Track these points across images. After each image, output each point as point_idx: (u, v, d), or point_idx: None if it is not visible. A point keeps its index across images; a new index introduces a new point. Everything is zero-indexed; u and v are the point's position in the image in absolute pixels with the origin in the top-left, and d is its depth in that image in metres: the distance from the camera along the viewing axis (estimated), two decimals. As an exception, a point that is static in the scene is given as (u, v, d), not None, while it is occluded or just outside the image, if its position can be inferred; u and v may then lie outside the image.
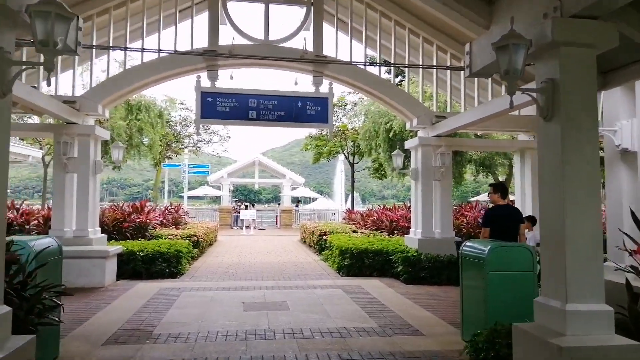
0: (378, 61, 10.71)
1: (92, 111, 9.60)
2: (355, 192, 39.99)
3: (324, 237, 13.98)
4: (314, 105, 10.27)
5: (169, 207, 16.86)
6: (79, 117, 9.56)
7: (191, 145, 29.81)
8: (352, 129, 27.70)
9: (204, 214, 29.34)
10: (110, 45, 9.81)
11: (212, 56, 9.84)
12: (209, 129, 29.39)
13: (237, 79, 10.79)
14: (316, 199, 34.37)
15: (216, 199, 33.71)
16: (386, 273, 10.26)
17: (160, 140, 28.37)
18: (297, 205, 31.01)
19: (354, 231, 14.99)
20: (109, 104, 10.09)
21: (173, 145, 28.07)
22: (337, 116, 28.45)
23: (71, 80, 9.69)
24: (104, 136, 10.13)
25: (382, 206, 19.02)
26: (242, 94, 10.15)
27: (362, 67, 10.55)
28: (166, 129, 28.29)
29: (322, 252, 13.67)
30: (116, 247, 9.04)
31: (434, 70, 10.71)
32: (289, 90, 10.38)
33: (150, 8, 10.25)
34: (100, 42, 10.07)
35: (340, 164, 59.08)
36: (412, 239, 10.61)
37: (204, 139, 30.07)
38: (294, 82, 10.72)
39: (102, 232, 11.46)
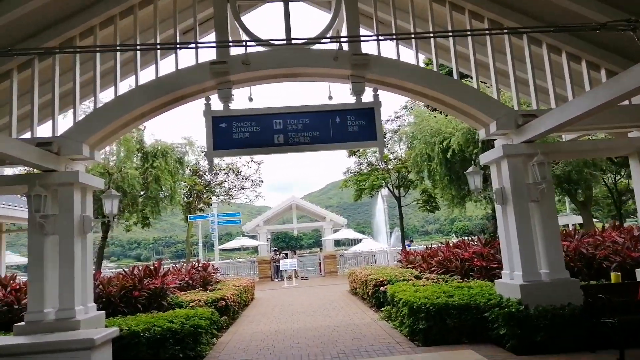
0: (435, 60, 8.25)
1: (75, 153, 7.49)
2: (397, 229, 36.86)
3: (382, 288, 11.18)
4: (356, 119, 7.90)
5: (196, 265, 14.53)
6: (60, 163, 7.45)
7: (223, 193, 27.93)
8: (394, 158, 25.12)
9: (241, 267, 26.93)
10: (97, 77, 7.83)
11: (222, 70, 7.66)
12: (238, 173, 27.38)
13: (256, 100, 8.56)
14: (360, 240, 31.49)
15: (255, 250, 31.39)
16: (481, 337, 7.39)
17: (190, 190, 26.74)
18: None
19: (417, 277, 12.14)
20: (98, 144, 7.98)
21: (204, 196, 26.26)
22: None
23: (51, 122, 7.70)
24: (95, 184, 7.97)
25: (442, 243, 16.12)
26: (263, 115, 7.92)
27: (414, 64, 8.12)
28: (195, 179, 26.66)
29: (382, 309, 10.85)
30: (108, 331, 6.63)
31: (510, 66, 8.14)
32: (323, 104, 8.06)
33: (146, 30, 8.31)
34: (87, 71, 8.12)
35: (380, 201, 56.12)
36: (509, 285, 7.73)
37: (235, 186, 28.17)
38: (328, 96, 8.42)
39: (108, 306, 9.24)
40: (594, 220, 22.14)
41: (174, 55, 8.06)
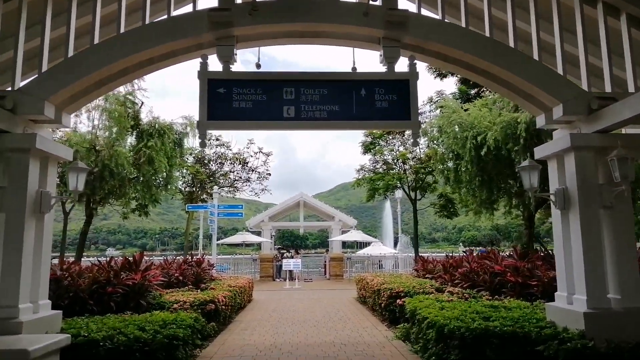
0: (488, 30, 6.63)
1: (36, 113, 6.01)
2: (404, 235, 35.19)
3: (399, 300, 9.58)
4: (386, 93, 6.38)
5: (189, 260, 13.04)
6: (16, 124, 5.98)
7: (227, 185, 26.44)
8: (413, 158, 23.45)
9: (242, 264, 25.46)
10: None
11: (223, 20, 6.16)
12: (245, 164, 25.77)
13: (265, 69, 6.99)
14: (368, 243, 29.85)
15: (259, 246, 29.96)
16: (532, 377, 5.76)
17: (193, 179, 25.30)
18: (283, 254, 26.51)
19: (438, 289, 10.53)
20: (67, 105, 6.47)
21: (207, 186, 24.81)
22: (394, 145, 24.37)
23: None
24: (61, 154, 6.48)
25: (464, 252, 14.55)
26: (272, 81, 6.43)
27: (464, 27, 6.53)
28: (198, 168, 25.21)
29: (397, 325, 9.25)
30: (52, 339, 5.12)
31: (580, 39, 6.52)
32: (346, 72, 6.53)
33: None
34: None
35: (388, 205, 54.22)
36: (566, 312, 6.12)
37: (240, 177, 26.69)
38: (352, 67, 6.89)
39: (75, 303, 7.79)
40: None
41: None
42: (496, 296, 9.41)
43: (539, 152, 6.84)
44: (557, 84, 6.26)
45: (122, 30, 6.35)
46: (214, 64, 6.42)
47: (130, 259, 9.30)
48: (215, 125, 6.34)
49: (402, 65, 6.56)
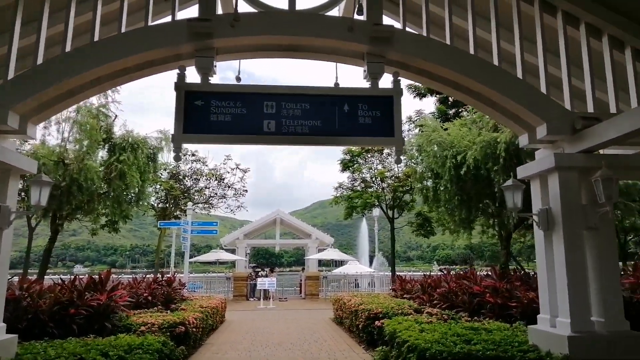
0: (472, 47, 6.59)
1: (-3, 121, 5.61)
2: (380, 254, 35.08)
3: (377, 322, 9.32)
4: (370, 109, 6.25)
5: (159, 279, 12.50)
6: (-25, 132, 5.57)
7: (202, 201, 25.82)
8: (391, 176, 23.43)
9: (215, 283, 24.75)
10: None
11: (203, 31, 5.95)
12: (221, 180, 25.19)
13: (244, 81, 6.82)
14: (344, 262, 29.48)
15: (234, 264, 29.30)
16: (517, 405, 5.57)
17: (166, 195, 24.64)
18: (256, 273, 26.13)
19: (417, 310, 10.33)
20: (34, 115, 6.10)
21: (181, 202, 24.18)
22: (373, 163, 24.35)
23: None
24: (23, 167, 6.06)
25: (443, 270, 14.48)
26: (252, 94, 6.21)
27: (449, 44, 6.47)
28: (172, 183, 24.59)
29: (376, 348, 8.97)
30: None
31: (563, 57, 6.56)
32: (328, 87, 6.38)
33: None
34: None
35: (364, 224, 54.12)
36: (549, 335, 5.98)
37: (216, 194, 26.11)
38: (334, 83, 6.76)
39: (34, 326, 7.30)
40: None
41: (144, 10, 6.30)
42: (475, 317, 9.27)
43: (522, 171, 6.78)
44: (541, 104, 6.24)
45: (96, 38, 6.05)
46: (193, 77, 6.20)
47: (96, 277, 8.80)
48: (191, 138, 6.07)
49: (386, 82, 6.47)
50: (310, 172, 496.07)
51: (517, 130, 6.83)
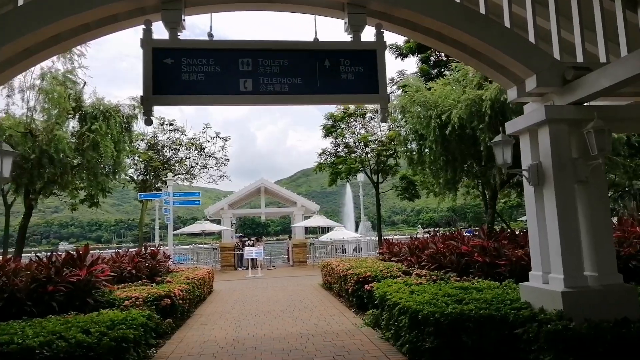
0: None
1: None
2: (365, 219, 35.20)
3: (366, 286, 9.24)
4: (352, 65, 5.90)
5: (143, 252, 12.21)
6: None
7: (183, 172, 25.31)
8: (375, 140, 23.16)
9: (202, 254, 24.61)
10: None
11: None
12: (201, 149, 24.66)
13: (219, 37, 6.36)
14: (331, 228, 29.48)
15: (220, 235, 29.10)
16: (510, 362, 5.51)
17: (146, 167, 24.08)
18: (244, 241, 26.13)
19: (405, 272, 10.27)
20: (-13, 78, 5.61)
21: (161, 174, 23.63)
22: (356, 128, 24.02)
23: None
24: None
25: (429, 232, 14.48)
26: (226, 50, 5.78)
27: (433, -8, 6.08)
28: (151, 154, 23.98)
29: (366, 312, 8.92)
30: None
31: (551, 7, 6.24)
32: (308, 41, 5.98)
33: None
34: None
35: (349, 190, 54.15)
36: (542, 291, 5.88)
37: (197, 164, 25.57)
38: (313, 38, 6.33)
39: (11, 305, 7.02)
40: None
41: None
42: (464, 277, 9.22)
43: (511, 126, 6.54)
44: (530, 54, 5.94)
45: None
46: (161, 34, 5.73)
47: (74, 253, 8.46)
48: (162, 100, 5.64)
49: (368, 35, 6.09)
50: (293, 140, 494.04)
51: (504, 83, 6.55)
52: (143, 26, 5.54)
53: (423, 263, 10.73)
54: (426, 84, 14.02)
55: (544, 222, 6.01)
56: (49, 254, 8.65)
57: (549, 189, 5.84)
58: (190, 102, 5.70)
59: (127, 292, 8.49)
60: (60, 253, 8.74)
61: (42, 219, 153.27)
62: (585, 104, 5.88)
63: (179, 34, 5.70)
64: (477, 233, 12.08)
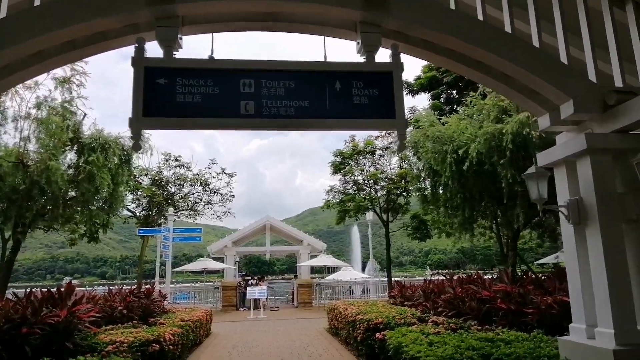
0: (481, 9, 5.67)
1: None
2: (373, 259, 34.15)
3: (378, 334, 8.31)
4: (365, 87, 5.30)
5: (136, 291, 11.40)
6: None
7: (186, 208, 24.66)
8: (385, 177, 22.49)
9: (203, 292, 23.63)
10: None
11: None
12: (206, 185, 24.08)
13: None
14: (337, 268, 28.36)
15: (223, 273, 28.15)
16: None
17: (149, 202, 23.50)
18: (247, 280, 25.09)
19: (420, 319, 9.36)
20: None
21: (164, 209, 23.01)
22: (364, 165, 23.43)
23: None
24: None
25: (438, 274, 13.56)
26: (226, 70, 5.22)
27: (456, 10, 5.55)
28: (154, 190, 23.44)
29: (378, 364, 7.99)
30: None
31: (584, 27, 5.68)
32: (316, 61, 5.42)
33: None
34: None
35: (356, 229, 52.99)
36: (589, 349, 5.01)
37: (201, 200, 24.96)
38: (322, 59, 5.79)
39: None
40: None
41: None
42: (486, 325, 8.31)
43: (544, 158, 5.84)
44: (566, 77, 5.32)
45: (36, 3, 5.04)
46: (156, 52, 5.21)
47: (55, 291, 7.70)
48: (152, 123, 5.03)
49: (383, 56, 5.54)
50: (301, 180, 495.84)
51: (535, 110, 5.91)
52: (135, 44, 5.02)
53: (439, 309, 9.80)
54: (439, 119, 13.44)
55: (586, 266, 5.21)
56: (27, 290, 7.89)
57: (592, 228, 5.08)
58: (185, 126, 5.08)
59: (112, 336, 7.64)
60: (42, 291, 7.97)
61: (48, 254, 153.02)
62: (631, 132, 5.19)
63: (174, 53, 5.17)
64: (495, 277, 11.21)
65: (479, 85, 14.27)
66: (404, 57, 5.48)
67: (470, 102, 13.07)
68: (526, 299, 8.51)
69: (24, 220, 11.25)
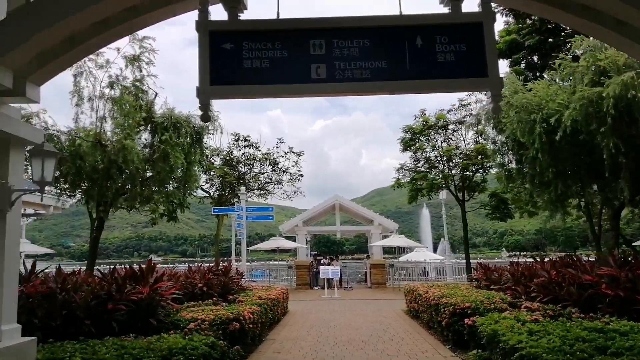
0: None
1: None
2: (444, 240, 33.00)
3: (467, 320, 7.69)
4: (451, 43, 4.67)
5: (215, 269, 11.53)
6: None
7: (257, 188, 25.02)
8: (460, 154, 21.33)
9: (277, 271, 23.97)
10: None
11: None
12: (275, 164, 24.22)
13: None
14: (410, 249, 27.56)
15: (295, 252, 28.46)
16: None
17: (222, 182, 24.03)
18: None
19: (512, 304, 8.62)
20: (32, 71, 4.97)
21: (236, 189, 23.46)
22: (436, 141, 22.35)
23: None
24: (25, 136, 4.98)
25: (515, 256, 12.59)
26: (294, 30, 4.77)
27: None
28: (226, 170, 23.90)
29: (469, 352, 7.39)
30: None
31: None
32: (393, 15, 4.83)
33: None
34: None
35: (425, 210, 51.34)
36: None
37: (271, 179, 25.19)
38: (398, 12, 5.15)
39: (70, 324, 6.44)
40: None
41: None
42: (590, 314, 7.41)
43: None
44: None
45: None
46: (218, 12, 4.88)
47: (137, 268, 7.81)
48: (220, 91, 4.70)
49: (470, 5, 4.82)
50: (366, 159, 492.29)
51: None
52: (199, 7, 4.70)
53: (533, 294, 8.95)
54: (525, 85, 12.20)
55: None
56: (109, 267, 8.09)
57: None
58: (253, 94, 4.73)
59: (194, 313, 7.66)
60: (123, 267, 8.14)
61: (134, 233, 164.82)
62: None
63: (239, 15, 4.80)
64: (594, 259, 10.10)
65: (567, 46, 12.86)
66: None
67: (559, 65, 11.71)
68: (637, 284, 7.50)
69: (106, 199, 11.69)
